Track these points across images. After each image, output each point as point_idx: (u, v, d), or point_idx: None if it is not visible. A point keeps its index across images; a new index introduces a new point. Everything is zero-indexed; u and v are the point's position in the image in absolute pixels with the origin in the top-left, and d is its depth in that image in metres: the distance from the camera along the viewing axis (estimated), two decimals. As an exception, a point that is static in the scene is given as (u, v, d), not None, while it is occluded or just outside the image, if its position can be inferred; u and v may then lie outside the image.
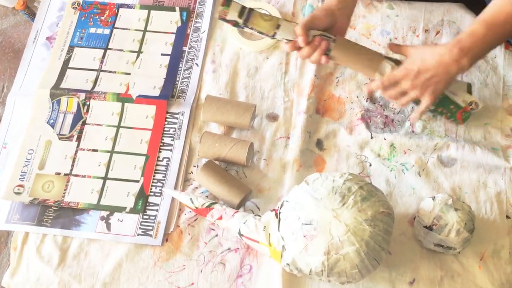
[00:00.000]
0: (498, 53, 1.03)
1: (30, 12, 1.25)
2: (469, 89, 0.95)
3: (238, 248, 0.90)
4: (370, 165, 0.95)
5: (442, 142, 0.96)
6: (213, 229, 0.91)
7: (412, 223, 0.90)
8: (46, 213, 0.94)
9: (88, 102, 1.02)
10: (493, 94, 1.01)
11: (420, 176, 0.94)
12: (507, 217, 0.90)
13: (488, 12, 0.84)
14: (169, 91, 1.03)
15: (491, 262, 0.87)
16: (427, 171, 0.94)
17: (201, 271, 0.89)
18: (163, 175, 0.96)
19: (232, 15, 0.85)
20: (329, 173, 0.82)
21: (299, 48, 0.86)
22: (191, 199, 0.90)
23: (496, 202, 0.91)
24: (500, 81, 1.02)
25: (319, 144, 0.98)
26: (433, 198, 0.85)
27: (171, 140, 0.99)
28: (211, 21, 1.11)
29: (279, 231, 0.81)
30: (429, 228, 0.83)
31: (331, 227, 0.76)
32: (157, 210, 0.93)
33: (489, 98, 1.00)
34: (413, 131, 0.98)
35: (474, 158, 0.94)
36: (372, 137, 0.97)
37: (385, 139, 0.97)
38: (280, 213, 0.82)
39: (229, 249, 0.90)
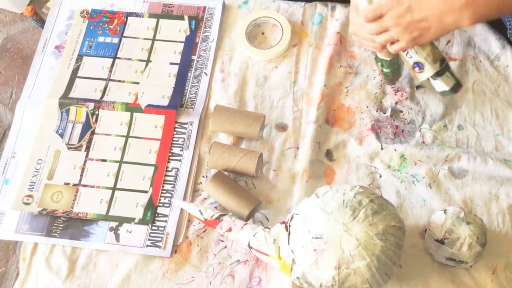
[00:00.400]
0: (510, 63, 1.02)
1: (39, 18, 1.24)
2: (455, 87, 0.88)
3: (248, 260, 0.89)
4: (381, 176, 0.95)
5: (453, 153, 0.95)
6: (222, 241, 0.91)
7: (423, 236, 0.89)
8: (55, 224, 0.93)
9: (97, 112, 1.02)
10: (505, 104, 1.00)
11: (431, 187, 0.93)
12: (520, 229, 0.89)
13: None
14: (178, 100, 1.03)
15: (504, 275, 0.86)
16: (438, 183, 0.93)
17: (210, 283, 0.88)
18: (172, 185, 0.96)
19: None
20: (339, 186, 0.81)
21: None
22: (200, 210, 0.89)
23: (508, 215, 0.90)
24: (511, 91, 1.00)
25: (329, 154, 0.97)
26: (445, 211, 0.84)
27: (180, 150, 0.99)
28: (220, 30, 1.10)
29: (289, 244, 0.80)
30: (441, 241, 0.82)
31: (342, 241, 0.75)
32: (166, 221, 0.93)
33: (501, 108, 0.99)
34: (423, 142, 0.97)
35: (486, 170, 0.93)
36: (382, 148, 0.97)
37: (395, 150, 0.96)
38: (290, 226, 0.81)
39: (238, 261, 0.89)
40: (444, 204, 0.91)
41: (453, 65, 1.02)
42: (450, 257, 0.83)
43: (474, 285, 0.85)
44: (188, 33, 1.10)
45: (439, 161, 0.95)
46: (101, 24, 1.11)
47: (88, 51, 1.09)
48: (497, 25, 1.04)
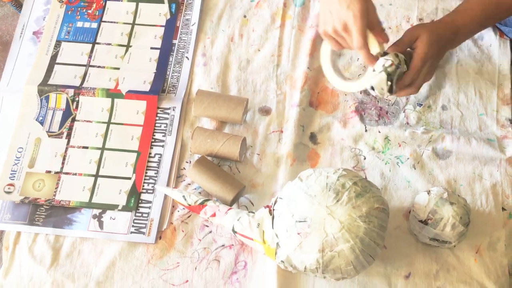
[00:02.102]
0: (493, 42, 1.02)
1: (18, 3, 1.22)
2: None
3: (233, 245, 0.89)
4: (365, 159, 0.94)
5: (437, 134, 0.95)
6: (207, 226, 0.91)
7: (407, 217, 0.89)
8: (37, 212, 0.92)
9: (77, 98, 1.00)
10: (488, 83, 0.99)
11: (415, 169, 0.93)
12: (503, 209, 0.89)
13: None
14: (160, 85, 1.01)
15: (487, 255, 0.86)
16: (422, 164, 0.93)
17: (195, 268, 0.88)
18: (155, 171, 0.95)
19: None
20: (322, 169, 0.81)
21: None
22: (183, 196, 0.89)
23: (491, 194, 0.90)
24: (495, 71, 1.00)
25: (313, 138, 0.97)
26: (428, 192, 0.84)
27: (163, 136, 0.98)
28: (201, 13, 1.09)
29: (273, 228, 0.80)
30: (424, 222, 0.83)
31: (325, 224, 0.75)
32: (150, 208, 0.92)
33: (484, 88, 0.99)
34: (408, 123, 0.97)
35: (470, 150, 0.93)
36: (366, 130, 0.96)
37: (379, 131, 0.96)
38: (274, 210, 0.81)
39: (223, 245, 0.89)
40: (428, 185, 0.91)
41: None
42: (433, 238, 0.83)
43: (458, 264, 0.86)
44: (168, 16, 1.08)
45: (423, 142, 0.95)
46: (79, 9, 1.09)
47: (66, 37, 1.07)
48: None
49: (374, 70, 0.81)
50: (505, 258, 0.86)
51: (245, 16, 1.09)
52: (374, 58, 0.81)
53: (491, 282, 0.84)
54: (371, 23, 0.80)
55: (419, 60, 0.81)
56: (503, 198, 0.90)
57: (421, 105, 0.98)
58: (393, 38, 1.03)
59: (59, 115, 0.99)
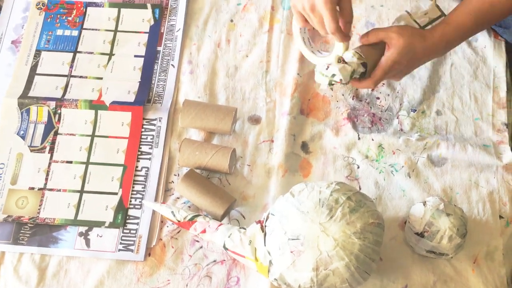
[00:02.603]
0: (488, 43, 0.99)
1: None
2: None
3: (225, 260, 0.87)
4: (358, 167, 0.92)
5: (432, 140, 0.92)
6: (197, 241, 0.88)
7: (402, 227, 0.87)
8: (21, 231, 0.89)
9: (59, 111, 0.97)
10: (483, 87, 0.97)
11: (410, 177, 0.90)
12: (500, 216, 0.87)
13: (473, 2, 0.83)
14: (145, 95, 0.98)
15: (485, 265, 0.84)
16: (417, 172, 0.91)
17: (186, 285, 0.85)
18: (143, 186, 0.92)
19: None
20: (315, 184, 0.78)
21: None
22: (172, 212, 0.86)
23: (488, 202, 0.88)
24: (490, 73, 0.98)
25: (304, 147, 0.94)
26: (424, 203, 0.82)
27: (149, 148, 0.94)
28: (186, 18, 1.05)
29: (265, 245, 0.78)
30: (421, 235, 0.80)
31: (319, 242, 0.72)
32: (138, 224, 0.89)
33: (479, 92, 0.96)
34: (401, 130, 0.94)
35: (465, 157, 0.91)
36: (359, 138, 0.94)
37: (372, 139, 0.93)
38: (265, 226, 0.79)
39: (215, 261, 0.87)
40: (423, 194, 0.89)
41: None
42: (430, 250, 0.81)
43: (456, 275, 0.84)
44: (152, 22, 1.04)
45: (417, 149, 0.92)
46: (59, 16, 1.05)
47: (46, 46, 1.03)
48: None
49: (340, 62, 0.81)
50: (503, 267, 0.84)
51: (232, 21, 1.05)
52: (347, 38, 0.83)
53: (489, 292, 0.82)
54: (342, 10, 0.81)
55: (387, 66, 0.83)
56: (500, 206, 0.88)
57: (415, 110, 0.96)
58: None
59: (41, 129, 0.96)
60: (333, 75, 0.80)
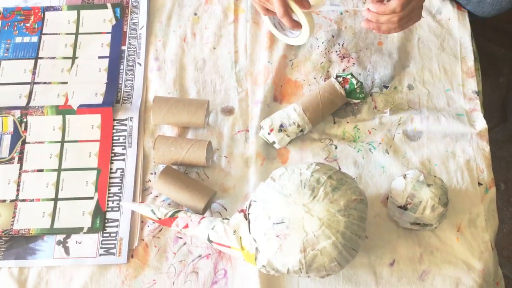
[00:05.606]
0: (452, 15, 1.00)
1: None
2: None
3: (210, 254, 0.85)
4: (336, 148, 0.91)
5: (405, 116, 0.93)
6: (180, 238, 0.86)
7: (385, 203, 0.87)
8: (-4, 246, 0.86)
9: (25, 119, 0.93)
10: (451, 58, 0.98)
11: (388, 153, 0.90)
12: (479, 183, 0.88)
13: None
14: (113, 96, 0.95)
15: (468, 232, 0.85)
16: (394, 148, 0.91)
17: (173, 284, 0.83)
18: (119, 187, 0.89)
19: None
20: (295, 166, 0.77)
21: None
22: (152, 210, 0.84)
23: (466, 170, 0.89)
24: (457, 44, 0.99)
25: (281, 133, 0.93)
26: (404, 176, 0.82)
27: (123, 149, 0.92)
28: (149, 15, 1.03)
29: (250, 233, 0.77)
30: (404, 208, 0.80)
31: (304, 223, 0.72)
32: (117, 226, 0.87)
33: (448, 63, 0.98)
34: (375, 107, 0.94)
35: (440, 128, 0.92)
36: (335, 122, 0.93)
37: (348, 122, 0.93)
38: (249, 214, 0.77)
39: (200, 256, 0.85)
40: (403, 169, 0.89)
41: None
42: (414, 222, 0.81)
43: (441, 245, 0.84)
44: (114, 22, 1.02)
45: (392, 125, 0.93)
46: (16, 23, 1.02)
47: (5, 55, 1.00)
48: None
49: (281, 131, 0.90)
50: (486, 233, 0.85)
51: (195, 14, 1.04)
52: (297, 24, 0.87)
53: (475, 259, 0.83)
54: None
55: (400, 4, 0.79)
56: (478, 173, 0.89)
57: (387, 87, 0.96)
58: (350, 22, 1.02)
59: (7, 139, 0.93)
60: (273, 142, 0.90)
